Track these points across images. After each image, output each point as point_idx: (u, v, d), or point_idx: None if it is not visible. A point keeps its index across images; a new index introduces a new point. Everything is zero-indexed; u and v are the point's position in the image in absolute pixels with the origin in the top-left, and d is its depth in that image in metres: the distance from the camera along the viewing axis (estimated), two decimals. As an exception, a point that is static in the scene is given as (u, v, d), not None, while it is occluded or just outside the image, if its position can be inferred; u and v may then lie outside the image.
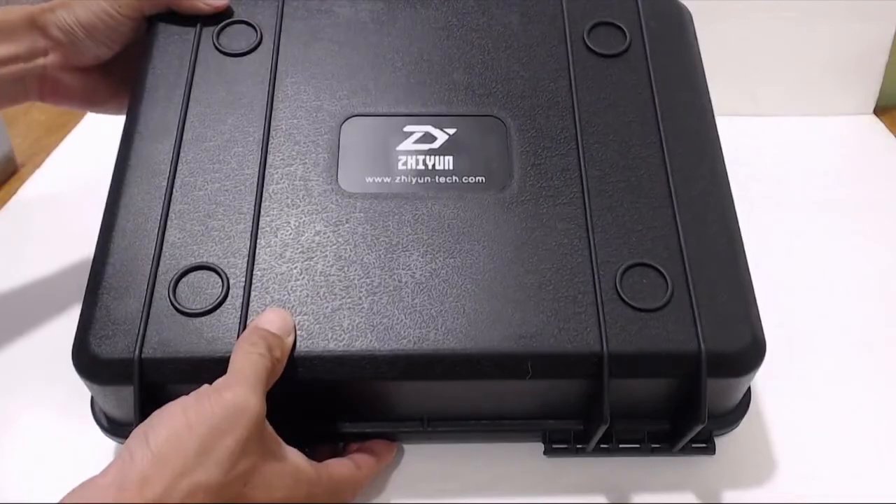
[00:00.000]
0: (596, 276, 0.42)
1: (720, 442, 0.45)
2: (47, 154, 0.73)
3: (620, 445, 0.44)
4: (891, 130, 0.78)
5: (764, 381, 0.50)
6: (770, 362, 0.46)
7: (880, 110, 0.81)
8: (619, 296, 0.41)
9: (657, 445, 0.44)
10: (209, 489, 0.34)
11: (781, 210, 0.65)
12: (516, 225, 0.44)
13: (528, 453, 0.46)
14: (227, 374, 0.37)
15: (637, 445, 0.45)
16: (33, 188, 0.68)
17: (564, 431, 0.45)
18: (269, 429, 0.37)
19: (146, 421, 0.36)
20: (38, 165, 0.72)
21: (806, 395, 0.50)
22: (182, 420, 0.35)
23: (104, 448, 0.46)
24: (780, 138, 0.76)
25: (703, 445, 0.44)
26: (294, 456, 0.39)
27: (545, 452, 0.45)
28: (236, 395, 0.36)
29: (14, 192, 0.68)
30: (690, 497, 0.44)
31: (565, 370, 0.40)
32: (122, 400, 0.41)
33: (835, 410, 0.49)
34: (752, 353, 0.41)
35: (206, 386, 0.37)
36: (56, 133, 0.76)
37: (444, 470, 0.46)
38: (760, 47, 0.76)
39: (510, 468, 0.46)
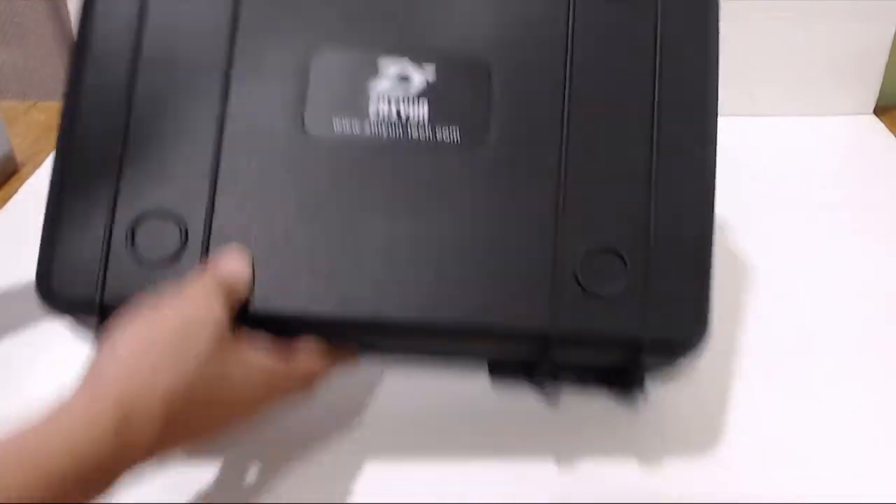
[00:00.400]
0: (556, 257, 0.41)
1: (721, 441, 0.46)
2: (47, 154, 0.73)
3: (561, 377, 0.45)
4: (891, 130, 0.78)
5: (763, 381, 0.50)
6: (770, 362, 0.46)
7: (880, 110, 0.81)
8: (577, 279, 0.41)
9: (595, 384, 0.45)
10: (185, 393, 0.34)
11: (780, 210, 0.65)
12: (485, 193, 0.42)
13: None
14: (188, 288, 0.38)
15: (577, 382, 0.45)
16: (33, 188, 0.68)
17: (511, 363, 0.45)
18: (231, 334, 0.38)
19: (110, 337, 0.36)
20: (38, 165, 0.72)
21: (805, 396, 0.49)
22: (148, 331, 0.35)
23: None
24: (779, 138, 0.76)
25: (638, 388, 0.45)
26: (263, 353, 0.39)
27: (491, 380, 0.46)
28: (200, 303, 0.37)
29: (14, 192, 0.68)
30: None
31: (511, 344, 0.42)
32: (85, 321, 0.41)
33: (834, 411, 0.49)
34: (695, 341, 0.41)
35: (166, 296, 0.37)
36: (56, 133, 0.76)
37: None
38: (760, 47, 0.76)
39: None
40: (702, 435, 0.46)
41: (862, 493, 0.44)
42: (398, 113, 0.42)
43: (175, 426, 0.34)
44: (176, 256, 0.40)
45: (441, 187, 0.42)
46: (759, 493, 0.44)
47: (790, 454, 0.46)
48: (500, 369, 0.46)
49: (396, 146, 0.42)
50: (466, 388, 0.49)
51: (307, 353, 0.41)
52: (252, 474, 0.44)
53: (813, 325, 0.55)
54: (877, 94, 0.80)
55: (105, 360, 0.35)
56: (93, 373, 0.34)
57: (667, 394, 0.48)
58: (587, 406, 0.48)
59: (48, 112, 0.80)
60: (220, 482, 0.44)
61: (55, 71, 0.88)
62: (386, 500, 0.43)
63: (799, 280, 0.58)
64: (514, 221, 0.42)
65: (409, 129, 0.42)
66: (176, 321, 0.36)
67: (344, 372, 0.43)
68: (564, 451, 0.45)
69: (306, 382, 0.41)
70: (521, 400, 0.48)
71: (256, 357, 0.38)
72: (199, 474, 0.44)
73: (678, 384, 0.49)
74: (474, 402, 0.48)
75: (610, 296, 0.41)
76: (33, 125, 0.78)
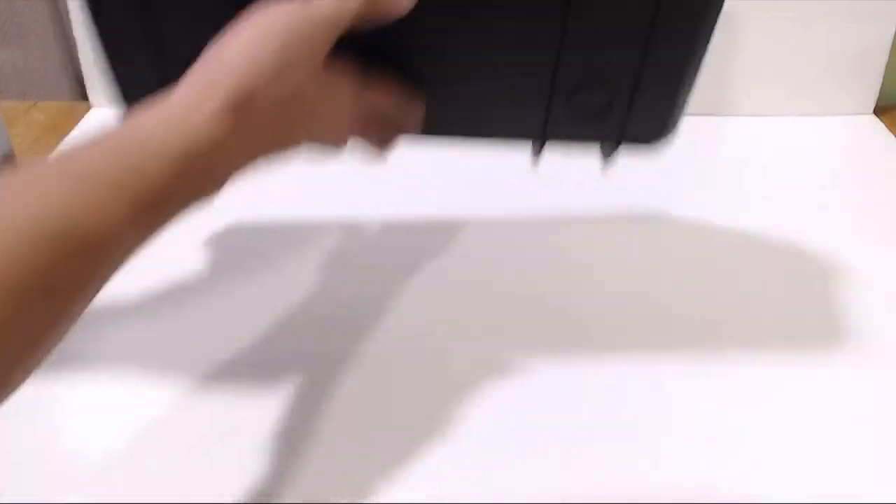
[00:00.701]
0: (552, 83, 0.45)
1: (721, 442, 0.46)
2: (47, 154, 0.73)
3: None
4: (891, 130, 0.78)
5: (764, 381, 0.50)
6: (770, 361, 0.46)
7: (880, 110, 0.81)
8: (567, 99, 0.45)
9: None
10: (291, 96, 0.36)
11: (781, 210, 0.65)
12: (490, 30, 0.43)
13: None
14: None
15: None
16: (33, 188, 0.68)
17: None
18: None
19: (221, 40, 0.36)
20: (38, 165, 0.72)
21: (805, 395, 0.50)
22: (260, 37, 0.36)
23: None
24: (779, 138, 0.76)
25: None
26: (348, 82, 0.41)
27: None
28: (313, 20, 0.37)
29: (14, 193, 0.68)
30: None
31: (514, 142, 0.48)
32: None
33: (835, 411, 0.49)
34: (662, 138, 0.47)
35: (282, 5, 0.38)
36: (56, 133, 0.76)
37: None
38: (760, 47, 0.77)
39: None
40: (701, 437, 0.46)
41: (862, 493, 0.44)
42: None
43: (277, 126, 0.37)
44: None
45: (445, 23, 0.43)
46: (761, 493, 0.44)
47: (790, 455, 0.46)
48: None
49: None
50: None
51: (382, 83, 0.42)
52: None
53: (813, 324, 0.55)
54: (877, 94, 0.80)
55: (216, 56, 0.36)
56: (202, 68, 0.36)
57: (669, 400, 0.49)
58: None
59: (48, 112, 0.80)
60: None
61: (55, 71, 0.88)
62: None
63: (798, 280, 0.58)
64: (519, 49, 0.44)
65: None
66: (286, 32, 0.36)
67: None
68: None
69: (371, 124, 0.43)
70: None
71: (343, 85, 0.40)
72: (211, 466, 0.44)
73: (676, 380, 0.49)
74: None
75: (596, 114, 0.46)
76: (33, 125, 0.78)
